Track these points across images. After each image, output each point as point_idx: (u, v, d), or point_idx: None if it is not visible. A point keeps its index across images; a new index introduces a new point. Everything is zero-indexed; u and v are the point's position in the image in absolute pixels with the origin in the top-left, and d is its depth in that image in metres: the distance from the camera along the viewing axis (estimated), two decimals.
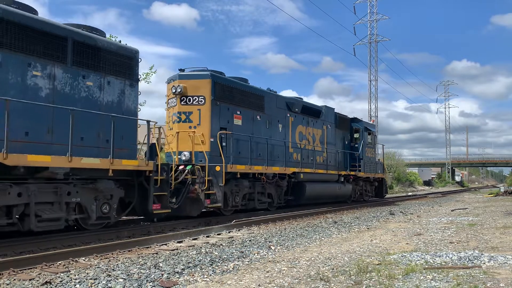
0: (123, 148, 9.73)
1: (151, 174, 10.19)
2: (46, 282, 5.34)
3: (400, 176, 57.98)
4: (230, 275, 6.00)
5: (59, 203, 8.57)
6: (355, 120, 22.51)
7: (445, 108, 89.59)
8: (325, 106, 19.87)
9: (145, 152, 10.71)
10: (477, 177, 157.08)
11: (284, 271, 6.16)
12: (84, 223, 9.28)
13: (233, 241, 8.92)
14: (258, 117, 14.98)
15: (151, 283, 5.44)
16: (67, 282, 5.39)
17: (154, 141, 10.88)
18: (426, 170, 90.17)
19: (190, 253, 7.46)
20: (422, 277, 5.58)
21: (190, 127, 12.91)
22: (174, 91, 12.93)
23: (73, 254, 6.85)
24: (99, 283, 5.38)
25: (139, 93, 10.52)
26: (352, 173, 21.00)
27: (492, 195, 34.81)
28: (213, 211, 13.34)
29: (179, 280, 5.68)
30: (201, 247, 8.09)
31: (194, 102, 12.96)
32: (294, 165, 16.49)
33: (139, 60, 10.51)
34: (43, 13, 8.27)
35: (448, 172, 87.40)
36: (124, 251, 7.58)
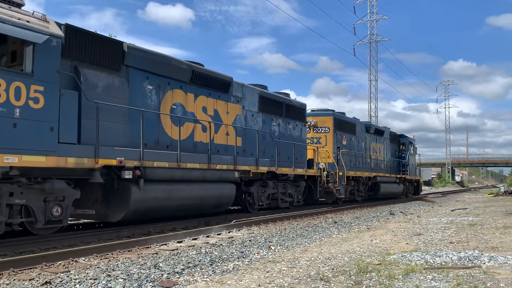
0: (304, 162, 16.81)
1: (317, 177, 17.24)
2: (46, 282, 5.33)
3: None
4: (230, 275, 6.00)
5: (284, 193, 15.43)
6: (402, 136, 29.94)
7: (445, 108, 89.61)
8: (385, 127, 27.47)
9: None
10: (477, 177, 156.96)
11: (284, 271, 6.16)
12: (291, 205, 15.84)
13: (233, 241, 8.90)
14: (353, 138, 21.88)
15: (151, 283, 5.44)
16: (67, 282, 5.38)
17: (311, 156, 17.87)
18: (426, 170, 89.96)
19: (190, 253, 7.44)
20: (422, 277, 5.58)
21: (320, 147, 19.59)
22: (309, 123, 19.37)
23: (73, 254, 6.83)
24: (99, 283, 5.38)
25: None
26: (403, 176, 28.05)
27: (492, 195, 34.84)
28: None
29: (179, 280, 5.68)
30: (201, 247, 8.07)
31: (322, 131, 20.03)
32: (372, 171, 23.38)
33: (306, 110, 17.88)
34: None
35: (448, 172, 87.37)
36: (124, 251, 7.57)
